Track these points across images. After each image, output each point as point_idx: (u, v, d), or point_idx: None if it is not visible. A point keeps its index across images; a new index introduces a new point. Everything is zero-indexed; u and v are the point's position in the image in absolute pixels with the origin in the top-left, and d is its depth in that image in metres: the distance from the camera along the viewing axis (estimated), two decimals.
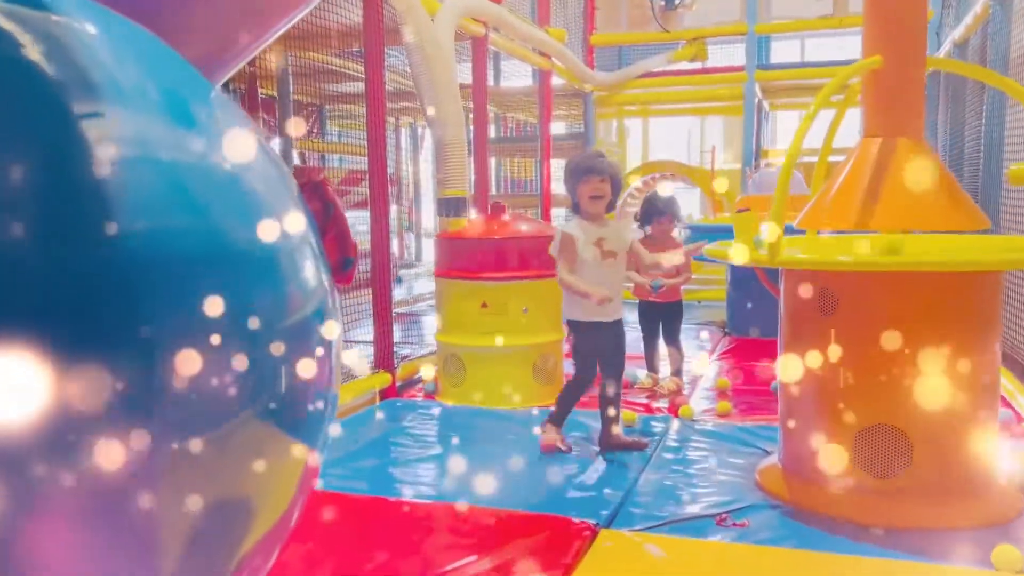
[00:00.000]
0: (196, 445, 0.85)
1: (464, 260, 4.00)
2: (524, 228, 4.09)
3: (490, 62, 9.13)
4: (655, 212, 4.14)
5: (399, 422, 3.66)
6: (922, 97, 2.69)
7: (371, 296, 4.16)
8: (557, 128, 10.15)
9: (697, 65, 8.01)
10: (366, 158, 7.34)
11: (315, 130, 8.41)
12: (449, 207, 4.08)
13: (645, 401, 4.06)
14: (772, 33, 7.86)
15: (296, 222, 1.03)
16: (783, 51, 10.48)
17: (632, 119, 10.29)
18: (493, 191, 9.82)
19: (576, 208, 3.17)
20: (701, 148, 13.12)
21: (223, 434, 0.90)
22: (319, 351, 1.07)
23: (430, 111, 4.05)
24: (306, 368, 1.04)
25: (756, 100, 7.61)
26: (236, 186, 0.98)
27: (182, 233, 0.87)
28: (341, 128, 9.37)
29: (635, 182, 8.06)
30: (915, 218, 2.57)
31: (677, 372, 4.28)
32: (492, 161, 9.84)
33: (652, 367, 4.36)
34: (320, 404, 1.10)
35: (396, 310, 6.77)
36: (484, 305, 3.94)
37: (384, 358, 4.16)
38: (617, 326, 3.23)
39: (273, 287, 0.99)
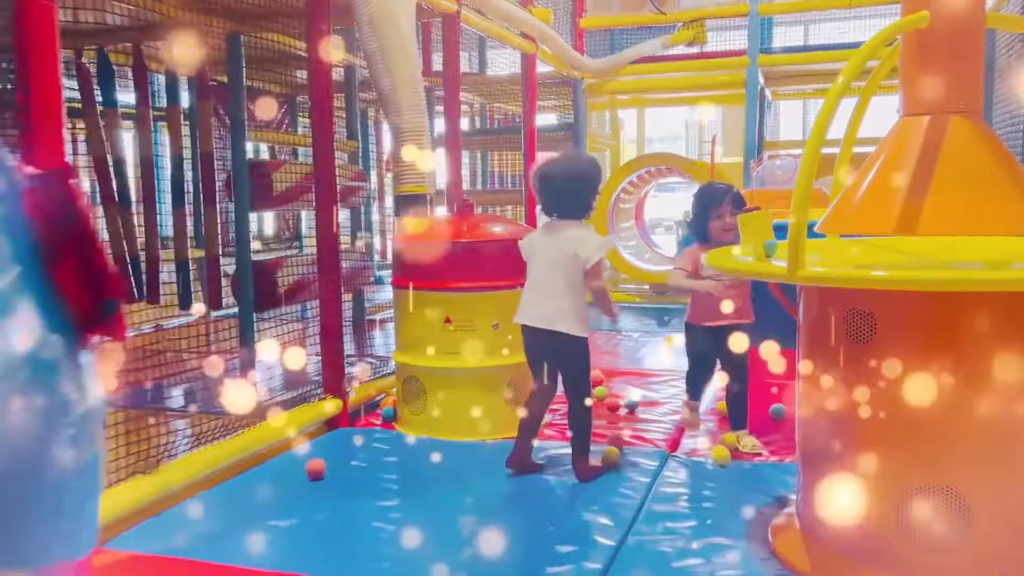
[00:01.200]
0: None
1: (424, 267, 3.43)
2: (495, 230, 3.53)
3: (475, 48, 8.58)
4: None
5: (339, 460, 3.10)
6: (981, 63, 2.13)
7: (318, 309, 3.60)
8: (548, 119, 9.60)
9: (696, 50, 7.44)
10: (343, 153, 6.77)
11: (286, 122, 7.84)
12: (406, 206, 3.51)
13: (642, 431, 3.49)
14: (776, 14, 7.28)
15: None
16: (785, 37, 9.90)
17: (627, 110, 9.72)
18: (479, 187, 9.26)
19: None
20: (700, 140, 12.56)
21: None
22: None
23: (383, 93, 3.49)
24: None
25: (759, 87, 7.04)
26: None
27: None
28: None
29: (629, 177, 7.49)
30: (977, 221, 2.01)
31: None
32: (478, 155, 9.28)
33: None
34: None
35: (378, 316, 6.24)
36: (448, 320, 3.38)
37: (333, 381, 3.60)
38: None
39: None
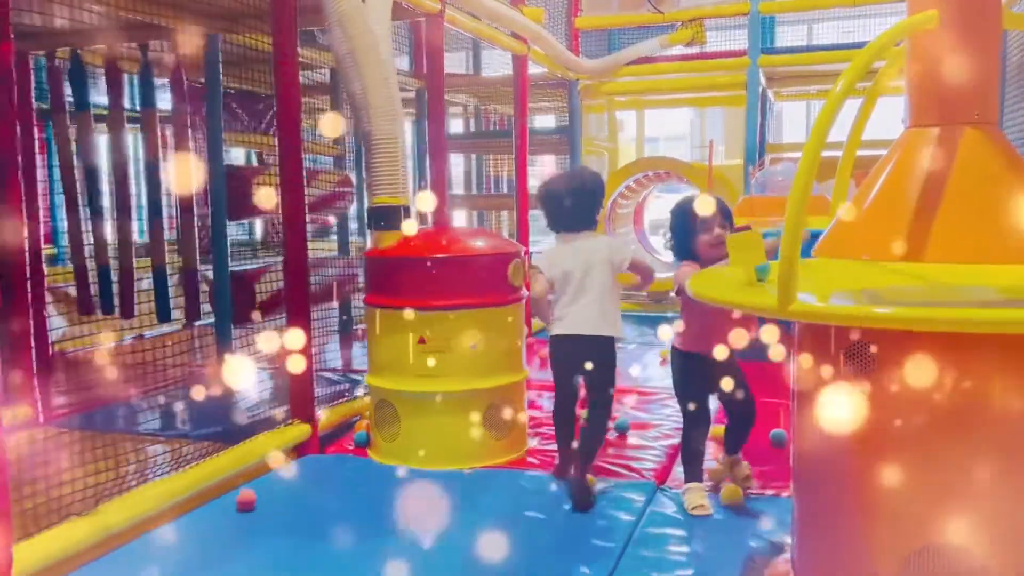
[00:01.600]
0: None
1: (397, 284, 3.22)
2: (474, 244, 3.31)
3: (469, 49, 8.36)
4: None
5: (304, 491, 2.89)
6: (996, 67, 1.90)
7: (284, 323, 3.39)
8: (545, 122, 9.37)
9: (695, 50, 7.21)
10: (329, 157, 6.56)
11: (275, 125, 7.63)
12: (380, 218, 3.30)
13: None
14: (778, 13, 7.05)
15: None
16: (788, 37, 9.65)
17: (626, 111, 9.50)
18: (474, 191, 9.04)
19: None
20: (702, 143, 12.34)
21: None
22: None
23: (355, 98, 3.28)
24: None
25: (760, 88, 6.81)
26: None
27: None
28: (310, 125, 8.60)
29: (626, 181, 7.27)
30: (993, 247, 1.78)
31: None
32: (472, 159, 9.07)
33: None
34: None
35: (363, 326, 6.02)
36: (422, 340, 3.16)
37: (301, 405, 3.38)
38: None
39: None
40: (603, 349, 2.91)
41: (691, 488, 2.76)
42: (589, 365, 2.89)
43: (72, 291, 5.28)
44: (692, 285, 2.12)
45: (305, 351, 3.37)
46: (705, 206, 2.70)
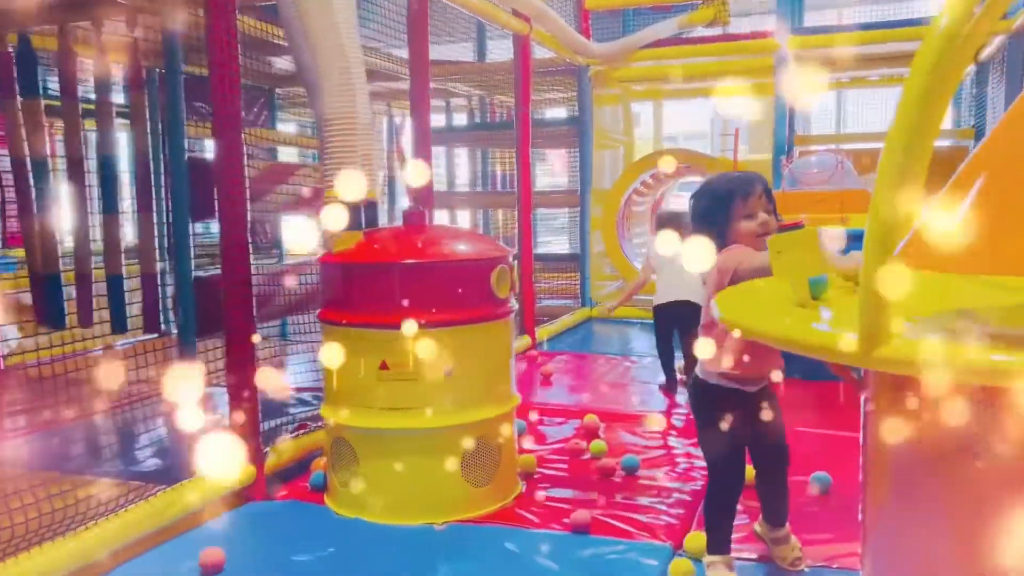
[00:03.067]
0: None
1: (353, 296, 2.64)
2: (451, 247, 2.73)
3: (473, 33, 7.78)
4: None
5: (242, 546, 2.32)
6: None
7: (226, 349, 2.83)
8: (557, 115, 8.77)
9: (717, 31, 6.58)
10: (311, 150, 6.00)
11: (263, 117, 7.10)
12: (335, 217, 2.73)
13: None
14: None
15: None
16: (817, 23, 8.96)
17: (642, 103, 8.86)
18: (479, 187, 8.46)
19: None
20: (725, 134, 11.62)
21: None
22: None
23: (305, 72, 2.72)
24: None
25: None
26: None
27: None
28: (302, 117, 8.08)
29: (641, 176, 6.66)
30: None
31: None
32: (478, 153, 8.49)
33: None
34: None
35: None
36: (384, 366, 2.59)
37: (246, 443, 2.82)
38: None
39: None
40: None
41: (714, 564, 2.15)
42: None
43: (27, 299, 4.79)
44: (720, 307, 1.52)
45: (246, 381, 2.81)
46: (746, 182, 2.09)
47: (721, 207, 2.07)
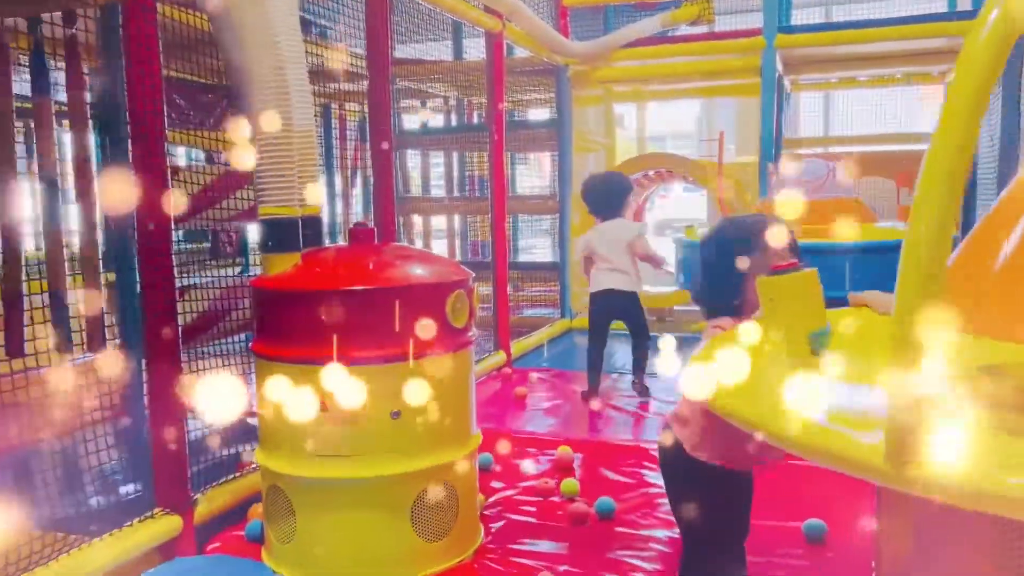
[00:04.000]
0: None
1: (287, 326, 2.32)
2: (400, 272, 2.42)
3: (448, 31, 7.46)
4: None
5: None
6: None
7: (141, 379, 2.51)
8: (539, 115, 8.47)
9: (702, 30, 6.29)
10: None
11: (223, 119, 6.76)
12: (272, 236, 2.41)
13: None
14: None
15: None
16: (805, 21, 8.71)
17: (625, 105, 8.58)
18: (455, 193, 8.15)
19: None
20: (710, 136, 11.34)
21: None
22: None
23: (234, 71, 2.40)
24: None
25: (776, 74, 5.89)
26: None
27: None
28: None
29: None
30: None
31: None
32: (454, 156, 8.18)
33: None
34: None
35: None
36: (323, 407, 2.27)
37: (168, 488, 2.50)
38: None
39: None
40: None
41: None
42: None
43: None
44: (715, 404, 1.22)
45: (171, 414, 2.48)
46: (778, 234, 1.75)
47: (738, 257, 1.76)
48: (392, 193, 3.83)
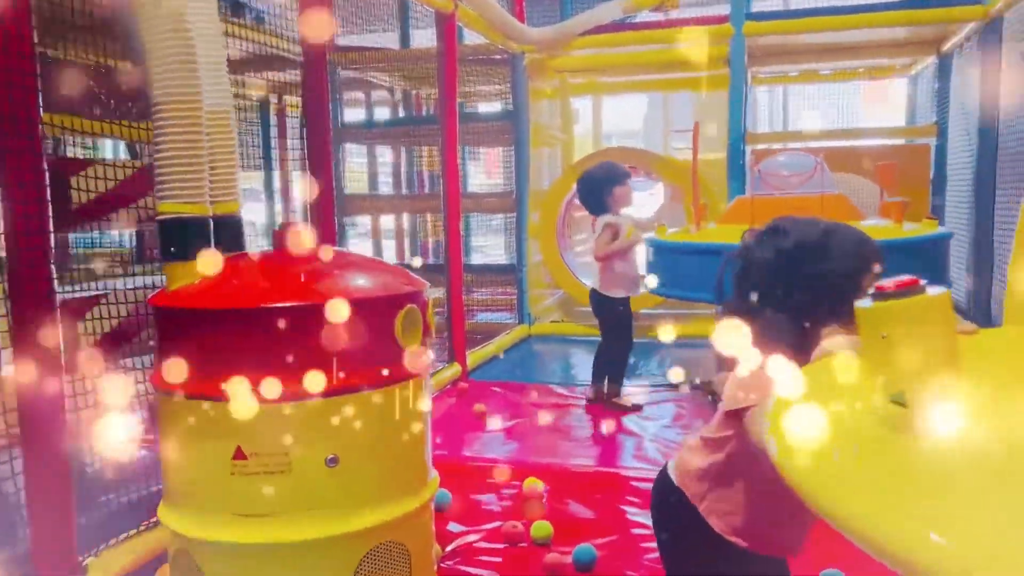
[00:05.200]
0: None
1: (196, 355, 1.86)
2: (338, 283, 1.97)
3: (394, 19, 7.00)
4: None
5: None
6: None
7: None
8: (492, 108, 8.06)
9: (662, 16, 5.94)
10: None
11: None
12: (173, 240, 1.94)
13: None
14: None
15: None
16: (763, 7, 8.45)
17: (582, 99, 8.22)
18: (404, 190, 7.68)
19: None
20: (665, 133, 11.03)
21: None
22: None
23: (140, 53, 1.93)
24: None
25: (745, 64, 5.58)
26: None
27: None
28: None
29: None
30: None
31: None
32: (402, 151, 7.71)
33: None
34: None
35: None
36: (239, 454, 1.81)
37: (51, 549, 2.01)
38: None
39: None
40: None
41: None
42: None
43: None
44: (776, 438, 0.81)
45: (54, 457, 1.99)
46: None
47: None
48: (332, 191, 3.37)
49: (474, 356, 5.00)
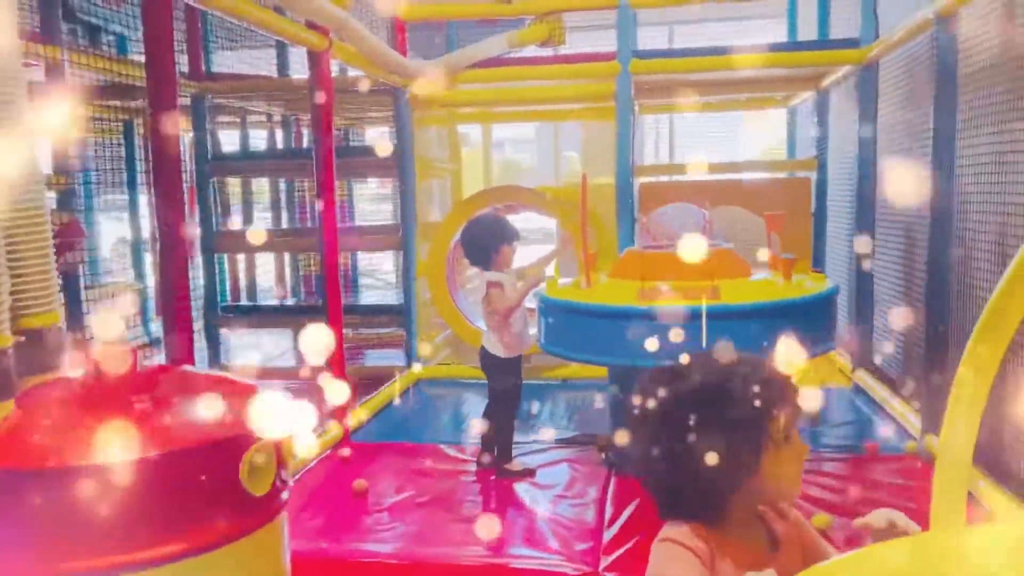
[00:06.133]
0: None
1: None
2: (160, 424, 1.65)
3: (273, 46, 6.62)
4: None
5: None
6: None
7: None
8: (378, 135, 7.76)
9: (550, 52, 5.81)
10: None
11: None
12: None
13: None
14: (649, 7, 5.81)
15: None
16: (649, 42, 8.54)
17: (470, 125, 8.04)
18: (284, 224, 7.28)
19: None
20: (555, 153, 10.99)
21: None
22: None
23: None
24: None
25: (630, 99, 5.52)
26: None
27: None
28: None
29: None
30: None
31: None
32: (281, 184, 7.31)
33: None
34: None
35: None
36: None
37: None
38: None
39: None
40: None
41: None
42: None
43: None
44: None
45: None
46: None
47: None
48: (185, 249, 2.99)
49: (358, 412, 4.70)
